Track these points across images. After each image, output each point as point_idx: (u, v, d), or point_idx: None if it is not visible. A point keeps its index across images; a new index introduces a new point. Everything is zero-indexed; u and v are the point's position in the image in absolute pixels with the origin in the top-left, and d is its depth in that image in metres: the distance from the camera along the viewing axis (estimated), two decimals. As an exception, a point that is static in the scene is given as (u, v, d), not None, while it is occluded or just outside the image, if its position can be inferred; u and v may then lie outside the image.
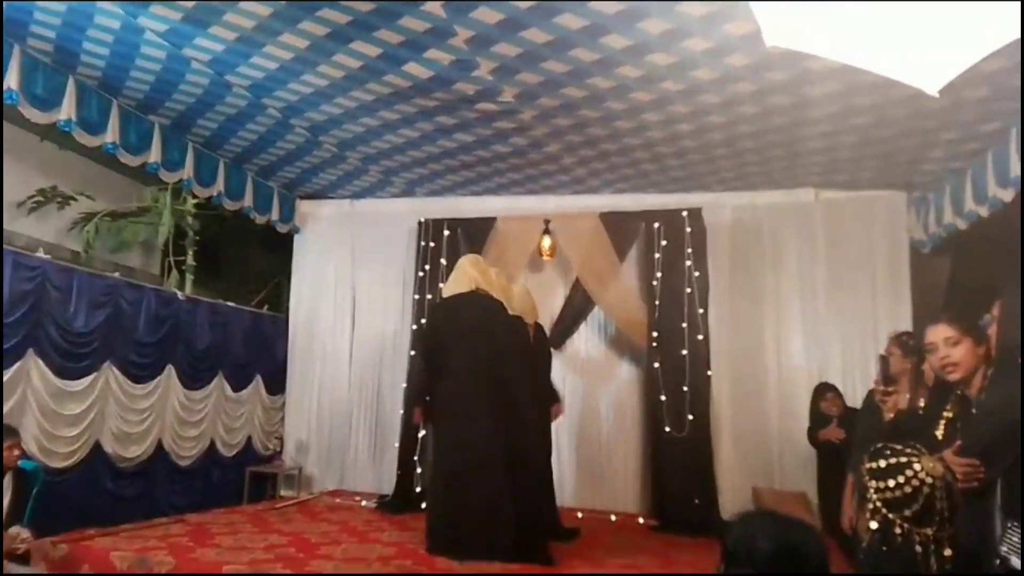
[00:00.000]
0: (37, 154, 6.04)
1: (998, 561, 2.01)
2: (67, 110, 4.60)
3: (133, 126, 5.14)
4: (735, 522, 1.56)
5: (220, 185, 6.06)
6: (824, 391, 5.18)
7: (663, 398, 5.92)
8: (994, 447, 2.21)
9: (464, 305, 4.53)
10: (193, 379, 6.08)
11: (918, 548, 1.72)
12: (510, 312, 4.71)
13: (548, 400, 5.33)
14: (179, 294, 6.13)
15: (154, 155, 5.32)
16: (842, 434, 4.69)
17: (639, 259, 6.34)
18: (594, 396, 6.49)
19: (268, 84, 4.73)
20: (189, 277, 6.77)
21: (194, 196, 6.55)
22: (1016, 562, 1.97)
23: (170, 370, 5.83)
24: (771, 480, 5.94)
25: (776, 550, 1.43)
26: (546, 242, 6.42)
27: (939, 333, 2.54)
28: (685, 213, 6.14)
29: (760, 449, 6.03)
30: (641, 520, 5.82)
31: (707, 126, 4.92)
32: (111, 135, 4.94)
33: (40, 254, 4.92)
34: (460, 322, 4.49)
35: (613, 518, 5.83)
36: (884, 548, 1.75)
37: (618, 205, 6.43)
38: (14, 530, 3.77)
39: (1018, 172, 4.38)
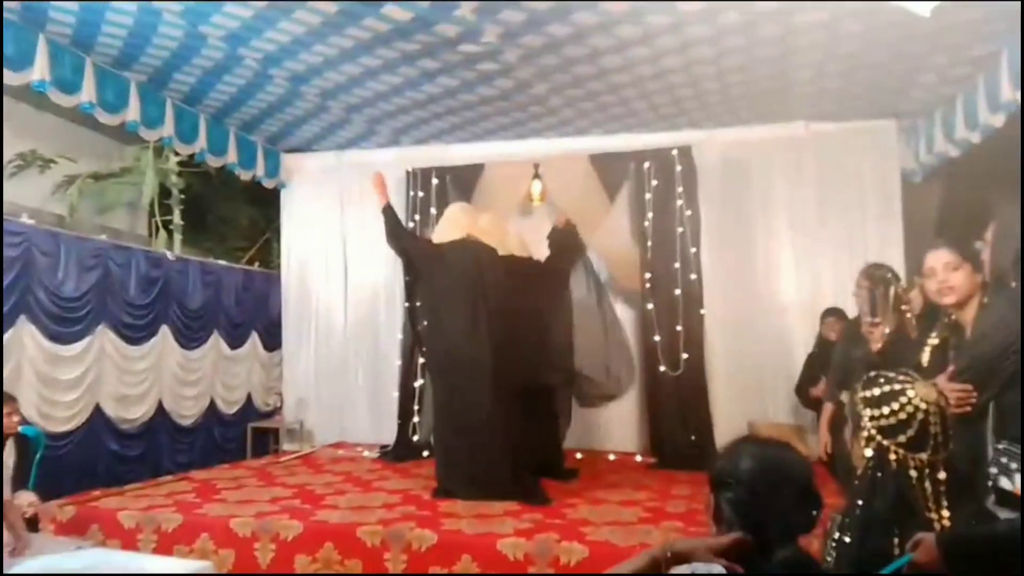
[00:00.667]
0: (14, 117, 5.90)
1: (989, 483, 2.06)
2: (40, 70, 4.46)
3: (109, 84, 5.01)
4: (721, 451, 1.63)
5: (202, 141, 5.94)
6: (825, 315, 5.18)
7: (657, 338, 5.96)
8: (986, 372, 2.25)
9: (455, 251, 4.52)
10: (189, 339, 6.09)
11: (912, 473, 1.75)
12: (503, 254, 4.70)
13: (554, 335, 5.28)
14: (168, 254, 6.09)
15: (132, 113, 5.20)
16: None
17: (630, 200, 6.30)
18: (588, 338, 6.49)
19: (243, 34, 4.60)
20: (177, 237, 6.71)
21: (176, 154, 6.45)
22: (1006, 483, 2.02)
23: (164, 331, 5.84)
24: (766, 415, 6.03)
25: (758, 468, 1.50)
26: (536, 187, 6.35)
27: (939, 258, 2.55)
28: (675, 152, 6.08)
29: (755, 384, 6.10)
30: (639, 458, 5.93)
31: (695, 59, 4.82)
32: (87, 94, 4.81)
33: (24, 219, 4.86)
34: (451, 269, 4.49)
35: (612, 457, 5.94)
36: (879, 474, 1.78)
37: (607, 146, 6.35)
38: (21, 495, 3.81)
39: (1009, 96, 4.32)
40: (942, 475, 1.74)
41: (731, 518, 1.50)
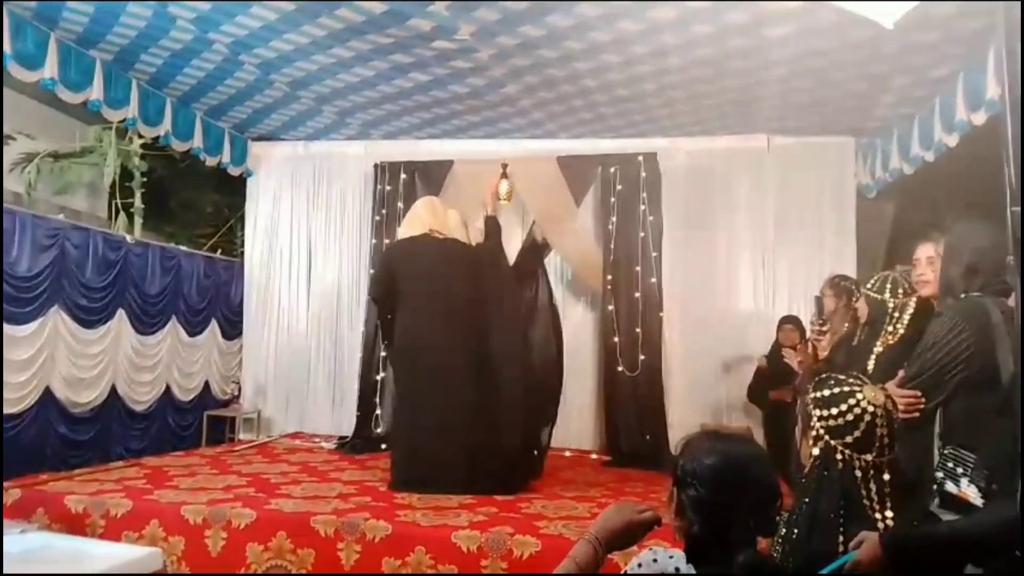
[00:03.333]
0: (-30, 90, 5.74)
1: (935, 487, 2.14)
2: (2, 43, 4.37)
3: (73, 61, 4.91)
4: (682, 446, 1.60)
5: (167, 125, 5.85)
6: (782, 323, 5.32)
7: (617, 339, 6.05)
8: (934, 379, 2.34)
9: (417, 247, 4.54)
10: (146, 324, 5.99)
11: (858, 473, 1.81)
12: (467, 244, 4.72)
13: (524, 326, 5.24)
14: (128, 237, 5.98)
15: (96, 92, 5.09)
16: (792, 396, 4.72)
17: (595, 203, 6.38)
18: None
19: (214, 16, 4.55)
20: (138, 220, 6.60)
21: (140, 136, 6.34)
22: (951, 487, 2.10)
23: (121, 315, 5.73)
24: (719, 417, 6.17)
25: (725, 468, 1.47)
26: (503, 186, 6.38)
27: (925, 251, 2.70)
28: (641, 158, 6.18)
29: (709, 387, 6.24)
30: (594, 456, 6.01)
31: (666, 68, 4.91)
32: (49, 70, 4.71)
33: (-21, 195, 4.74)
34: (415, 264, 4.51)
35: (567, 454, 5.99)
36: (825, 473, 1.84)
37: (575, 149, 6.43)
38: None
39: (962, 116, 4.50)
40: (887, 476, 1.79)
41: (693, 516, 1.48)
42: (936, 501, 2.12)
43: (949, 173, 5.07)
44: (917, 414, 2.35)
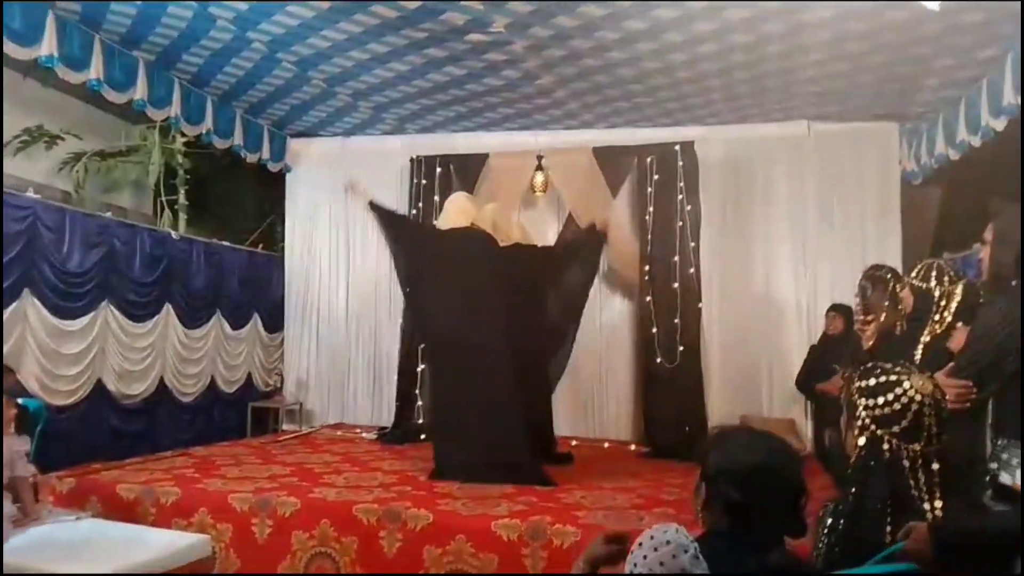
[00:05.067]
0: (20, 92, 5.90)
1: (988, 478, 2.10)
2: (48, 45, 4.48)
3: (117, 62, 5.03)
4: (713, 440, 1.61)
5: (209, 123, 5.98)
6: (829, 311, 5.22)
7: (655, 330, 6.02)
8: (986, 369, 2.27)
9: (456, 239, 4.57)
10: (191, 318, 6.13)
11: (905, 463, 1.77)
12: (504, 244, 4.75)
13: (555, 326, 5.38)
14: (173, 234, 6.12)
15: (140, 92, 5.22)
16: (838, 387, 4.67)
17: (632, 194, 6.35)
18: (588, 330, 6.55)
19: (252, 16, 4.63)
20: (182, 217, 6.73)
21: (183, 134, 6.47)
22: (1005, 478, 2.05)
23: (168, 309, 5.88)
24: (759, 408, 6.10)
25: (756, 467, 1.48)
26: (539, 178, 6.39)
27: (988, 233, 2.57)
28: (678, 147, 6.12)
29: (749, 378, 6.17)
30: (632, 447, 6.00)
31: (701, 55, 4.85)
32: (95, 71, 4.83)
33: (30, 193, 4.88)
34: (452, 256, 4.54)
35: (606, 445, 6.00)
36: (872, 463, 1.80)
37: (611, 140, 6.39)
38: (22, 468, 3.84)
39: (1011, 100, 4.36)
40: (935, 466, 1.76)
41: (721, 512, 1.48)
42: (989, 492, 2.08)
43: (997, 158, 4.93)
44: (968, 404, 2.29)
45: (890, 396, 1.78)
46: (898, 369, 1.86)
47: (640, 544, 1.33)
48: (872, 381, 1.84)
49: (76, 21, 4.68)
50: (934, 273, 3.01)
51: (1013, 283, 2.32)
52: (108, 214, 5.63)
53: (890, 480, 1.76)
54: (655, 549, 1.30)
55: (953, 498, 1.78)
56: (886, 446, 1.77)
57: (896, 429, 1.77)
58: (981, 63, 4.66)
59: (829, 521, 1.84)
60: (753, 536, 1.45)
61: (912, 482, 1.76)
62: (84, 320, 5.11)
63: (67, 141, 6.29)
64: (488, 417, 4.32)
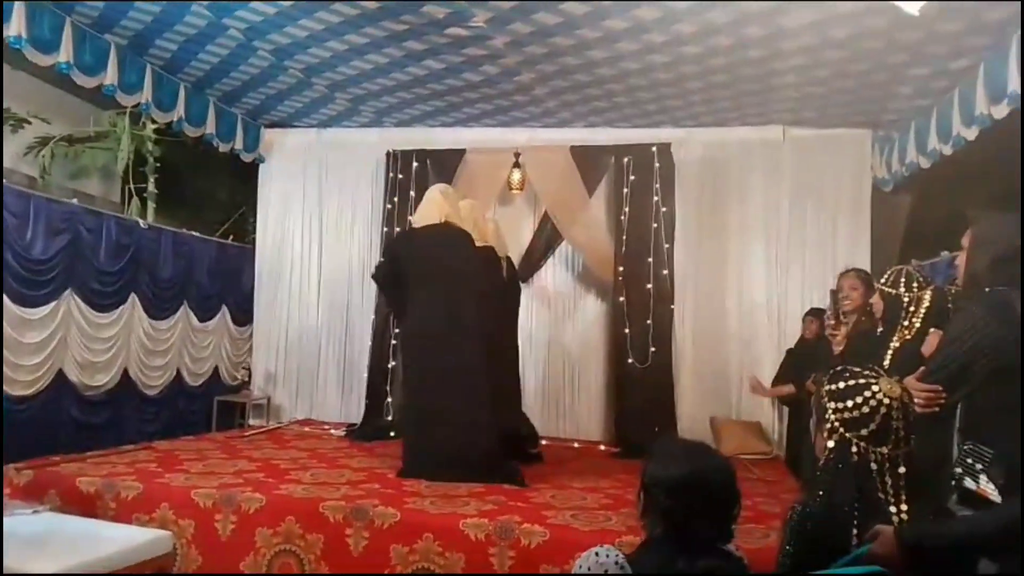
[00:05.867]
0: (-14, 73, 5.76)
1: (953, 482, 2.11)
2: (16, 26, 4.36)
3: (88, 45, 4.91)
4: (652, 453, 1.73)
5: (180, 110, 5.85)
6: (806, 315, 5.25)
7: (627, 331, 6.03)
8: (956, 373, 2.29)
9: (432, 236, 4.53)
10: (158, 309, 6.02)
11: (873, 466, 1.80)
12: (479, 243, 4.72)
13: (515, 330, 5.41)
14: (141, 222, 6.00)
15: (110, 76, 5.09)
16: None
17: (608, 193, 6.35)
18: (560, 329, 6.57)
19: (229, 3, 4.54)
20: (151, 205, 6.62)
21: (153, 121, 6.35)
22: (970, 483, 2.06)
23: (133, 299, 5.76)
24: (728, 410, 6.14)
25: (687, 478, 1.59)
26: (516, 175, 6.37)
27: (965, 239, 2.58)
28: (654, 148, 6.14)
29: (720, 379, 6.21)
30: (602, 447, 6.00)
31: (682, 57, 4.87)
32: (64, 54, 4.71)
33: (-6, 178, 4.76)
34: (428, 253, 4.50)
35: (576, 445, 6.00)
36: (840, 466, 1.83)
37: (589, 139, 6.39)
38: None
39: (984, 110, 4.42)
40: (902, 470, 1.78)
41: (657, 520, 1.60)
42: (954, 497, 2.10)
43: (966, 167, 5.01)
44: (937, 408, 2.31)
45: (859, 399, 1.80)
46: (867, 373, 1.87)
47: (579, 566, 1.57)
48: (841, 384, 1.86)
49: (46, 2, 4.56)
50: (903, 279, 3.04)
51: (987, 289, 2.34)
52: (74, 200, 5.50)
53: (858, 483, 1.79)
54: (588, 569, 1.55)
55: (919, 502, 1.80)
56: (854, 448, 1.79)
57: (864, 432, 1.79)
58: (954, 73, 4.73)
59: (796, 523, 1.85)
60: (685, 541, 1.57)
61: (879, 485, 1.78)
62: (46, 309, 4.98)
63: (34, 125, 6.16)
64: (453, 416, 4.27)
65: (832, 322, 3.70)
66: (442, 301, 4.43)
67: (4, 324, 4.68)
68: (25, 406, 4.83)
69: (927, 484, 1.97)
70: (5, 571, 2.63)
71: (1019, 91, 3.94)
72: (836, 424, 1.83)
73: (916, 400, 2.18)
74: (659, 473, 1.61)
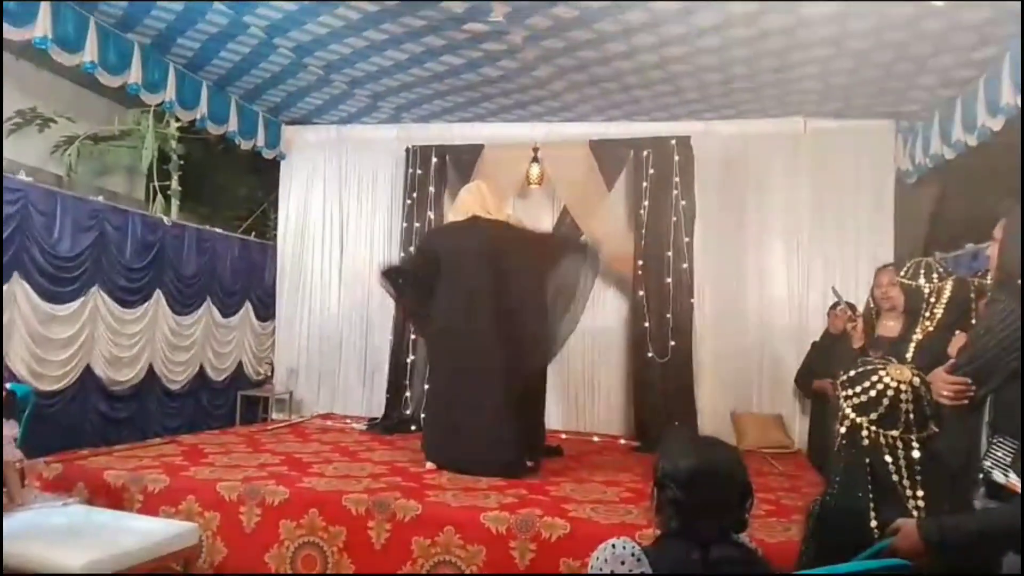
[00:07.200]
0: (13, 74, 5.85)
1: (981, 475, 2.10)
2: (42, 26, 4.43)
3: (112, 44, 4.98)
4: (662, 447, 1.74)
5: (203, 108, 5.93)
6: (831, 308, 5.20)
7: (647, 325, 6.02)
8: (986, 366, 2.26)
9: (462, 231, 4.56)
10: (182, 304, 6.10)
11: (885, 450, 1.81)
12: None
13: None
14: (165, 219, 6.08)
15: (134, 75, 5.17)
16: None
17: (627, 187, 6.33)
18: (580, 323, 6.55)
19: (249, 1, 4.58)
20: (174, 202, 6.69)
21: (177, 120, 6.43)
22: (999, 476, 2.05)
23: (159, 295, 5.84)
24: (749, 404, 6.12)
25: (698, 472, 1.61)
26: (534, 170, 6.37)
27: (997, 230, 2.53)
28: (674, 141, 6.11)
29: (740, 374, 6.18)
30: (622, 441, 6.00)
31: (701, 49, 4.83)
32: (89, 54, 4.78)
33: (23, 176, 4.85)
34: (458, 247, 4.53)
35: (596, 439, 6.00)
36: (852, 451, 1.85)
37: (607, 133, 6.37)
38: (9, 452, 3.82)
39: (1010, 100, 4.35)
40: (916, 454, 1.78)
41: (670, 514, 1.62)
42: (982, 491, 2.08)
43: (993, 159, 4.93)
44: (967, 401, 2.28)
45: (867, 384, 1.84)
46: (878, 362, 1.91)
47: (596, 558, 1.59)
48: (852, 373, 1.90)
49: (71, 3, 4.63)
50: (923, 270, 3.02)
51: (1020, 281, 2.30)
52: (100, 198, 5.58)
53: (870, 467, 1.79)
54: (606, 560, 1.57)
55: (938, 491, 1.79)
56: (864, 432, 1.82)
57: (873, 416, 1.81)
58: (979, 63, 4.66)
59: (816, 517, 1.86)
60: (699, 533, 1.59)
61: (893, 468, 1.78)
62: (74, 305, 5.07)
63: (60, 124, 6.25)
64: (480, 407, 4.30)
65: (849, 315, 3.67)
66: (469, 295, 4.44)
67: (33, 319, 4.77)
68: (54, 401, 4.92)
69: (957, 478, 1.97)
70: (38, 561, 2.70)
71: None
72: (847, 410, 1.87)
73: (944, 393, 2.18)
74: (669, 467, 1.63)
